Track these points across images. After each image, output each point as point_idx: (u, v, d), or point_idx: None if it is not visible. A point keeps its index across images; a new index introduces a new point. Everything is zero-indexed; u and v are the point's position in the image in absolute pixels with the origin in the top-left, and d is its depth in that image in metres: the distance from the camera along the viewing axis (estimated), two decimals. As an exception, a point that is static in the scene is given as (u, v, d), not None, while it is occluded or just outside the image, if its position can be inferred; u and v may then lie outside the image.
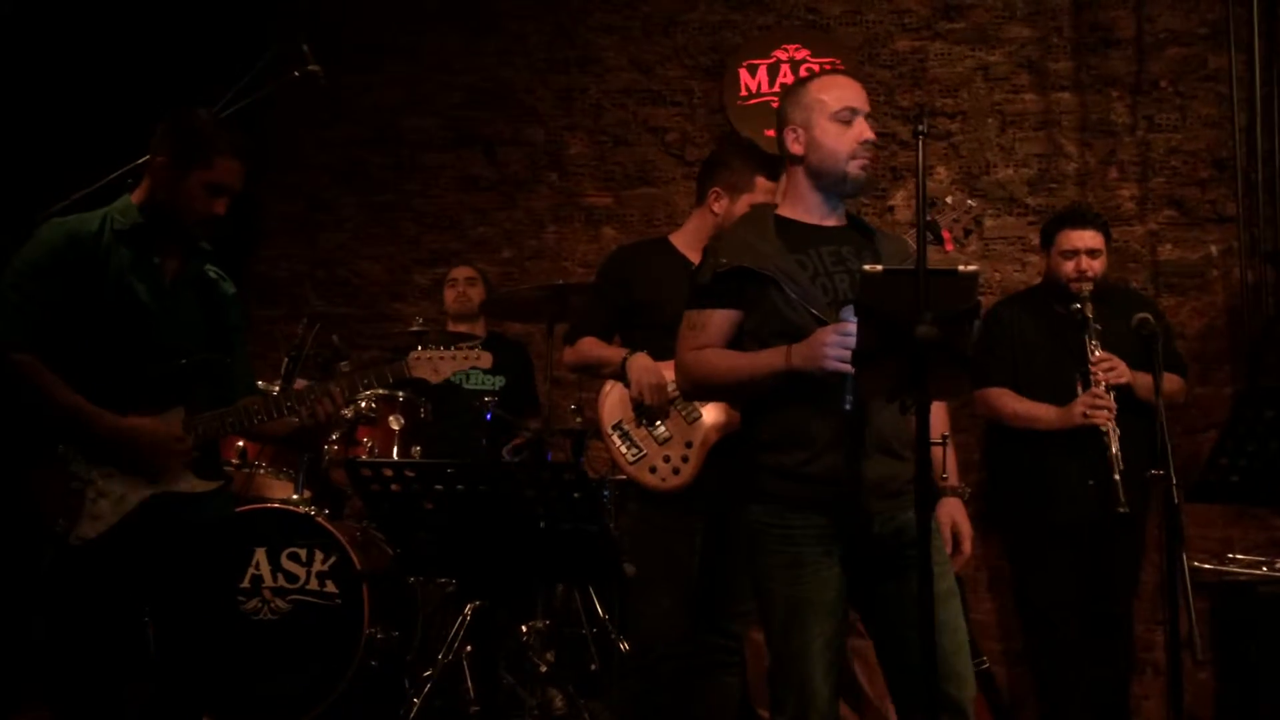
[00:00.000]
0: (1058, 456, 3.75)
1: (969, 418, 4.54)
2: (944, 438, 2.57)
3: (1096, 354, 3.65)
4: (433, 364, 2.95)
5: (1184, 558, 3.06)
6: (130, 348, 2.63)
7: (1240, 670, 4.05)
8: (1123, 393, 3.65)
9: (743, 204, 3.26)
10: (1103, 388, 3.61)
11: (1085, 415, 3.61)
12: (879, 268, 2.23)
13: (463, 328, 4.61)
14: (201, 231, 2.74)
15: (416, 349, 2.97)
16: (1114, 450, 3.52)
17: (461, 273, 4.72)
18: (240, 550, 3.47)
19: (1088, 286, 3.72)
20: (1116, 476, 3.47)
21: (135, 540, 2.60)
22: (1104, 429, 3.56)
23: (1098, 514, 3.59)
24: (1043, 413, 3.79)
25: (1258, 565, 4.13)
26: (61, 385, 2.57)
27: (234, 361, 2.84)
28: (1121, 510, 3.44)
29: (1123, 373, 3.65)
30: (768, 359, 2.43)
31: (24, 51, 4.25)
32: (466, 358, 2.98)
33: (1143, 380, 3.66)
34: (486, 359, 3.02)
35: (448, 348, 2.99)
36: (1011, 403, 3.88)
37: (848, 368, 2.27)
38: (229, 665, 3.41)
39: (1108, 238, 3.90)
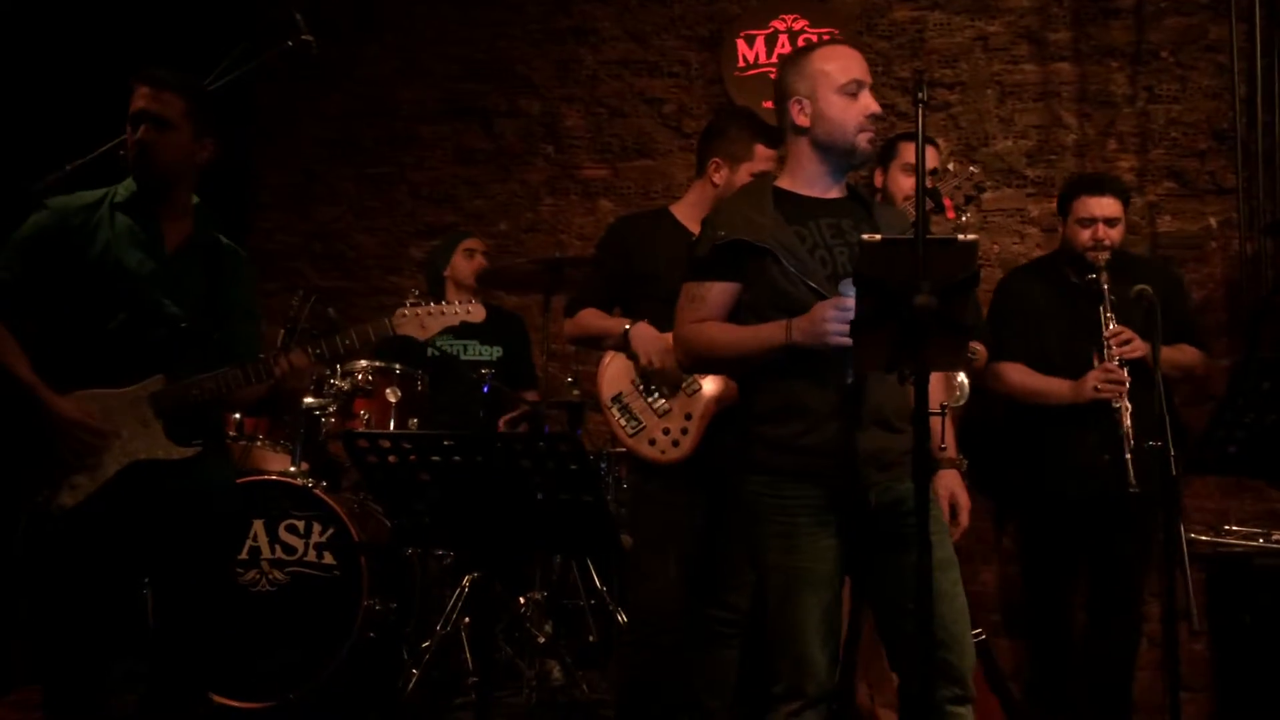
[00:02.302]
0: (1070, 431, 3.63)
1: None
2: (942, 408, 2.56)
3: (1111, 327, 3.54)
4: (419, 320, 2.88)
5: (1181, 529, 3.06)
6: (111, 315, 2.65)
7: (1236, 641, 4.05)
8: (1135, 365, 3.54)
9: (743, 173, 3.24)
10: (1116, 362, 3.51)
11: (1097, 390, 3.51)
12: (878, 236, 2.23)
13: (463, 297, 4.59)
14: (144, 173, 2.70)
15: (405, 305, 2.91)
16: (1126, 426, 3.43)
17: (479, 244, 4.64)
18: (236, 522, 3.38)
19: (1104, 256, 3.60)
20: (1128, 455, 3.39)
21: (117, 508, 2.61)
22: (1116, 405, 3.46)
23: (1111, 491, 3.47)
24: (1054, 387, 3.66)
25: (1254, 537, 4.13)
26: (7, 351, 2.59)
27: (236, 334, 2.80)
28: (1132, 490, 3.35)
29: (1137, 346, 3.53)
30: (768, 333, 2.43)
31: (19, 23, 4.22)
32: (456, 313, 2.92)
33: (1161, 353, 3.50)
34: (479, 310, 2.95)
35: (435, 303, 2.93)
36: (1022, 377, 3.75)
37: (849, 341, 2.27)
38: (226, 637, 3.42)
39: (1126, 205, 3.76)
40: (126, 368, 2.66)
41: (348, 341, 2.82)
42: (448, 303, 2.94)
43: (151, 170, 2.70)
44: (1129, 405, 3.46)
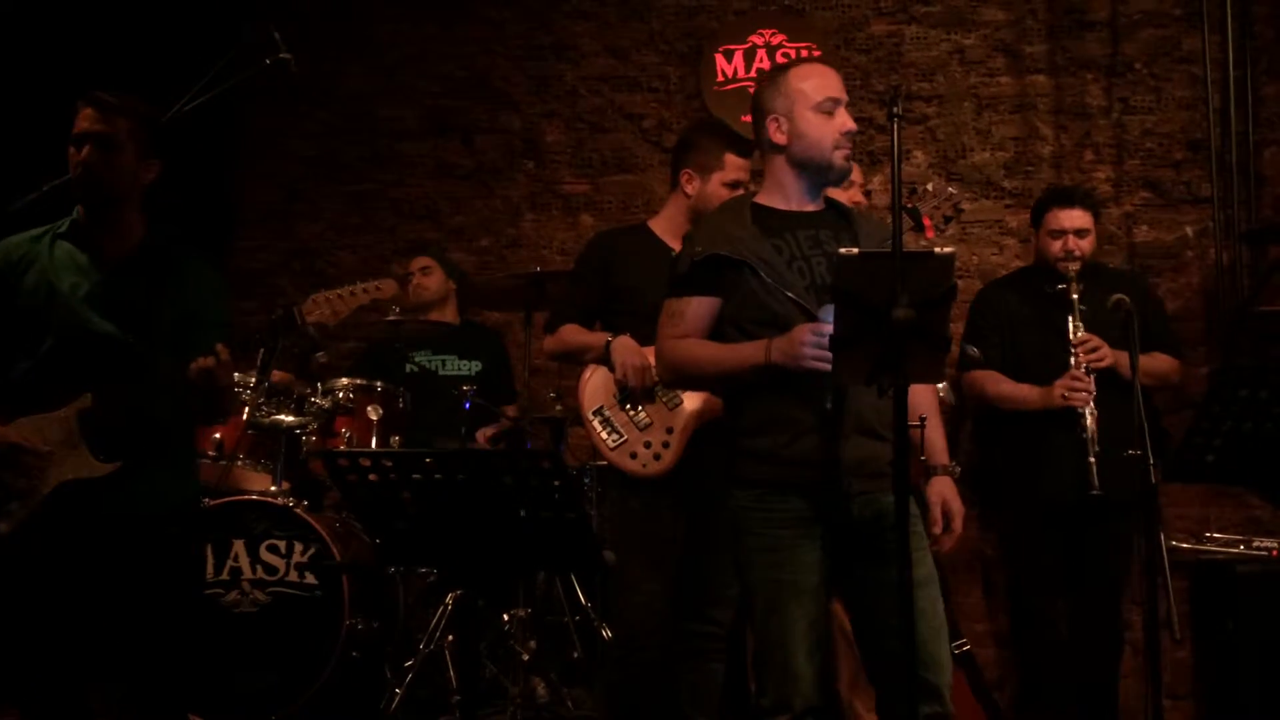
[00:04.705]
0: (1046, 434, 3.73)
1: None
2: (921, 420, 2.58)
3: (1079, 335, 3.64)
4: (330, 305, 2.86)
5: (1162, 537, 3.08)
6: (42, 340, 2.67)
7: (1218, 648, 4.08)
8: (1109, 373, 3.64)
9: (715, 182, 3.28)
10: (1083, 369, 3.61)
11: (1064, 397, 3.61)
12: (854, 251, 2.25)
13: (433, 316, 4.59)
14: (88, 194, 2.71)
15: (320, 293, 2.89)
16: (1090, 432, 3.53)
17: (416, 263, 4.65)
18: (188, 543, 3.05)
19: (1074, 266, 3.72)
20: (1091, 459, 3.49)
21: (52, 531, 2.61)
22: (1081, 411, 3.56)
23: (1082, 495, 3.56)
24: (1025, 394, 3.79)
25: (1235, 544, 4.17)
26: None
27: (191, 343, 2.67)
28: (1094, 492, 3.45)
29: (1104, 354, 3.63)
30: (748, 352, 2.45)
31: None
32: (366, 290, 2.88)
33: (1127, 361, 3.56)
34: (389, 286, 2.91)
35: (345, 287, 2.90)
36: (995, 385, 3.88)
37: (826, 367, 2.29)
38: (204, 659, 3.39)
39: (1096, 217, 3.89)
40: (59, 390, 2.66)
41: (257, 337, 2.82)
42: (358, 283, 2.92)
43: (96, 191, 2.71)
44: (1095, 411, 3.55)
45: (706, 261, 2.51)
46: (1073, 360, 3.64)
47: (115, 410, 2.65)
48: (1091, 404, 3.56)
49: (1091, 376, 3.61)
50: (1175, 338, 4.04)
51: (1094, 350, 3.64)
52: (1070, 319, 3.66)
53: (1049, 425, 3.71)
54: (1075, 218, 3.80)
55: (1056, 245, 3.80)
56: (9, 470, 2.61)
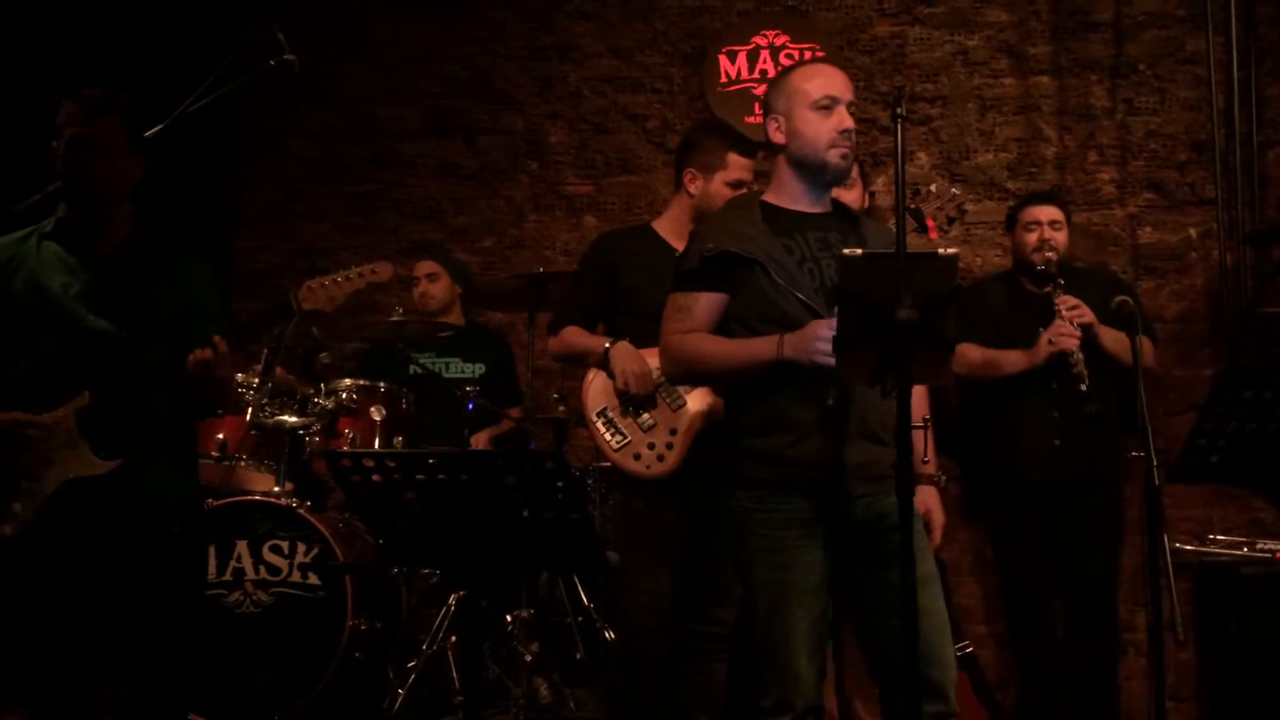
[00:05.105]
0: (1026, 418, 3.86)
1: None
2: (925, 421, 2.57)
3: (1061, 295, 3.77)
4: (326, 291, 2.79)
5: (1165, 539, 3.08)
6: (37, 342, 2.65)
7: (1222, 650, 4.08)
8: (1094, 354, 3.74)
9: (718, 182, 3.27)
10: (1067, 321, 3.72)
11: (1051, 342, 3.71)
12: (859, 251, 2.24)
13: (439, 317, 4.59)
14: (78, 193, 2.69)
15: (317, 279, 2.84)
16: (1081, 369, 3.60)
17: (422, 269, 4.63)
18: (189, 541, 3.03)
19: (1051, 255, 3.88)
20: (1083, 387, 3.56)
21: (57, 531, 2.59)
22: (1070, 351, 3.65)
23: (1068, 475, 3.74)
24: (1010, 356, 3.86)
25: (1238, 546, 4.16)
26: None
27: (188, 338, 2.65)
28: (1089, 408, 3.52)
29: (1085, 311, 3.75)
30: (759, 347, 2.44)
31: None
32: (361, 274, 2.83)
33: (1109, 333, 3.78)
34: (385, 269, 2.86)
35: (342, 271, 2.85)
36: (976, 353, 3.94)
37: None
38: (207, 659, 3.39)
39: (1068, 215, 4.05)
40: (57, 390, 2.64)
41: (258, 330, 2.82)
42: (353, 268, 2.86)
43: (86, 190, 2.68)
44: (1082, 355, 3.65)
45: (716, 258, 2.51)
46: (1057, 314, 3.74)
47: (114, 407, 2.63)
48: (1080, 351, 3.66)
49: (1077, 327, 3.72)
50: (1150, 324, 4.14)
51: (1075, 307, 3.75)
52: (1052, 288, 3.79)
53: (1029, 408, 3.83)
54: (1049, 211, 3.98)
55: (1033, 236, 3.95)
56: (12, 447, 2.59)
